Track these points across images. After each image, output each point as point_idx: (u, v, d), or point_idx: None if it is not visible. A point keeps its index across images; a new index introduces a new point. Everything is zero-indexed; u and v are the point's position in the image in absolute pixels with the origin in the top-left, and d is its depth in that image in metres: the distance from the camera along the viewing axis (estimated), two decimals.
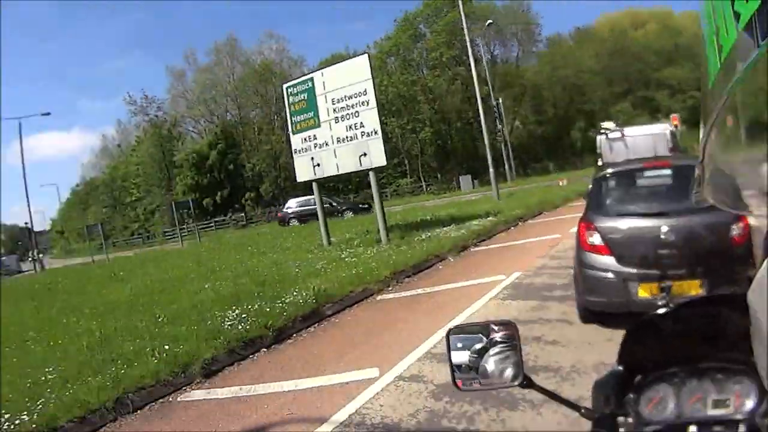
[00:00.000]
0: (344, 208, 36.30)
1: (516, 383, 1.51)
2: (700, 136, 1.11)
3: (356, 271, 11.41)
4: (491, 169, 28.39)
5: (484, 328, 1.58)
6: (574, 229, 14.06)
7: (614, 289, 6.32)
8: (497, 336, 1.56)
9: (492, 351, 1.54)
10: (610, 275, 6.33)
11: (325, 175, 16.89)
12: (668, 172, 7.06)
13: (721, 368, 1.70)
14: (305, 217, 33.21)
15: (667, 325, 1.62)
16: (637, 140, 14.54)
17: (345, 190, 47.32)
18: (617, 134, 15.01)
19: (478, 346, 1.56)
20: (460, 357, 1.57)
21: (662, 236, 5.84)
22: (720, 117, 0.96)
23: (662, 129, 15.70)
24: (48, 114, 79.79)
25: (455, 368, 1.59)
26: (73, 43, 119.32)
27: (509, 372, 1.53)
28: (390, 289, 10.77)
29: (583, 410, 1.50)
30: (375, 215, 16.58)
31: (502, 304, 8.58)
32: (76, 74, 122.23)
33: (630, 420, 1.51)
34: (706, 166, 1.19)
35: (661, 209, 6.45)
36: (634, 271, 5.99)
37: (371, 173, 15.95)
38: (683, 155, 11.01)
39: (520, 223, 18.31)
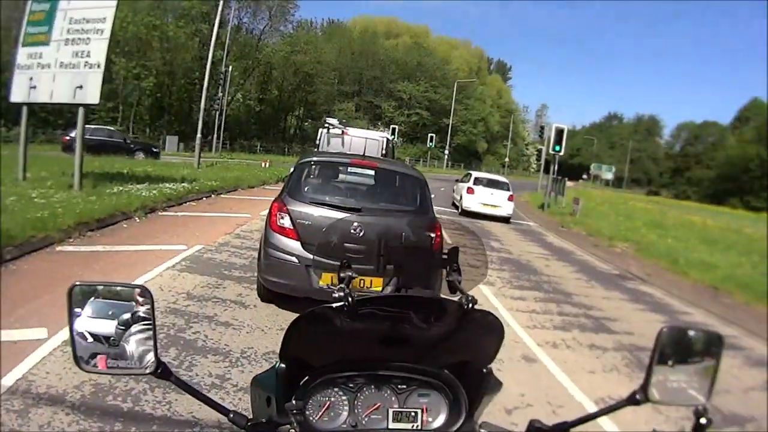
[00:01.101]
0: (137, 147, 33.61)
1: (148, 371, 1.26)
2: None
3: (41, 215, 10.32)
4: (198, 135, 27.78)
5: (122, 294, 1.29)
6: (265, 212, 14.33)
7: (296, 274, 6.50)
8: (142, 310, 1.27)
9: (134, 328, 1.26)
10: (293, 259, 6.51)
11: (39, 101, 15.18)
12: (371, 172, 7.35)
13: (406, 378, 1.60)
14: (95, 148, 28.86)
15: (343, 321, 1.42)
16: (355, 140, 14.95)
17: (54, 124, 42.14)
18: (338, 131, 15.32)
19: (110, 312, 1.26)
20: (90, 325, 1.27)
21: (352, 231, 5.62)
22: None
23: (381, 136, 16.40)
24: None
25: (83, 338, 1.27)
26: None
27: (150, 357, 1.26)
28: (71, 240, 9.78)
29: (231, 415, 1.30)
30: (74, 158, 15.07)
31: (178, 275, 8.23)
32: None
33: (293, 431, 1.32)
34: None
35: (356, 205, 6.80)
36: (318, 259, 5.73)
37: (80, 109, 14.60)
38: (391, 161, 11.15)
39: (213, 196, 18.09)
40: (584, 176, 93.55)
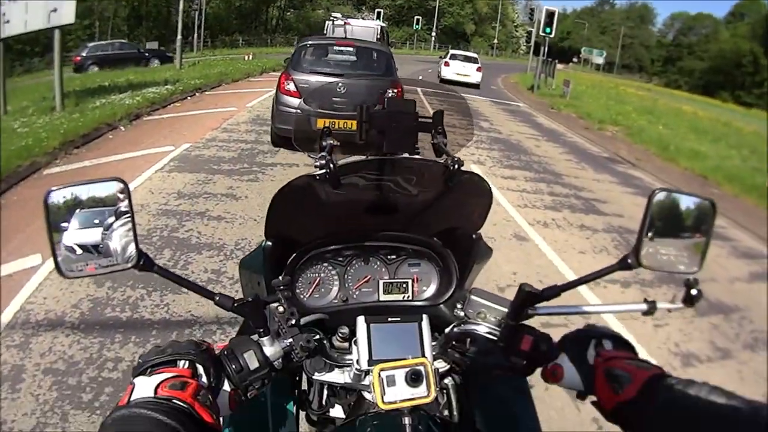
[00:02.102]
0: (151, 56, 34.50)
1: (130, 265, 1.13)
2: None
3: (25, 143, 10.05)
4: (179, 37, 26.95)
5: (104, 198, 1.15)
6: (251, 104, 15.13)
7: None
8: (121, 206, 1.14)
9: (115, 225, 1.14)
10: (297, 111, 8.94)
11: (13, 33, 14.26)
12: (352, 50, 10.51)
13: (395, 248, 1.57)
14: (108, 63, 29.16)
15: (326, 190, 1.37)
16: (355, 29, 18.88)
17: (30, 54, 40.68)
18: (341, 22, 19.09)
19: (96, 221, 1.15)
20: (78, 237, 1.14)
21: (337, 89, 8.36)
22: None
23: (376, 24, 22.15)
24: None
25: (72, 251, 1.14)
26: None
27: (131, 250, 1.14)
28: (58, 162, 9.54)
29: (218, 298, 1.19)
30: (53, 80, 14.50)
31: (167, 176, 8.24)
32: None
33: (281, 309, 1.23)
34: None
35: (340, 72, 9.78)
36: (314, 109, 6.78)
37: (56, 32, 13.83)
38: (367, 41, 13.99)
39: (197, 94, 17.83)
40: (575, 59, 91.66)
